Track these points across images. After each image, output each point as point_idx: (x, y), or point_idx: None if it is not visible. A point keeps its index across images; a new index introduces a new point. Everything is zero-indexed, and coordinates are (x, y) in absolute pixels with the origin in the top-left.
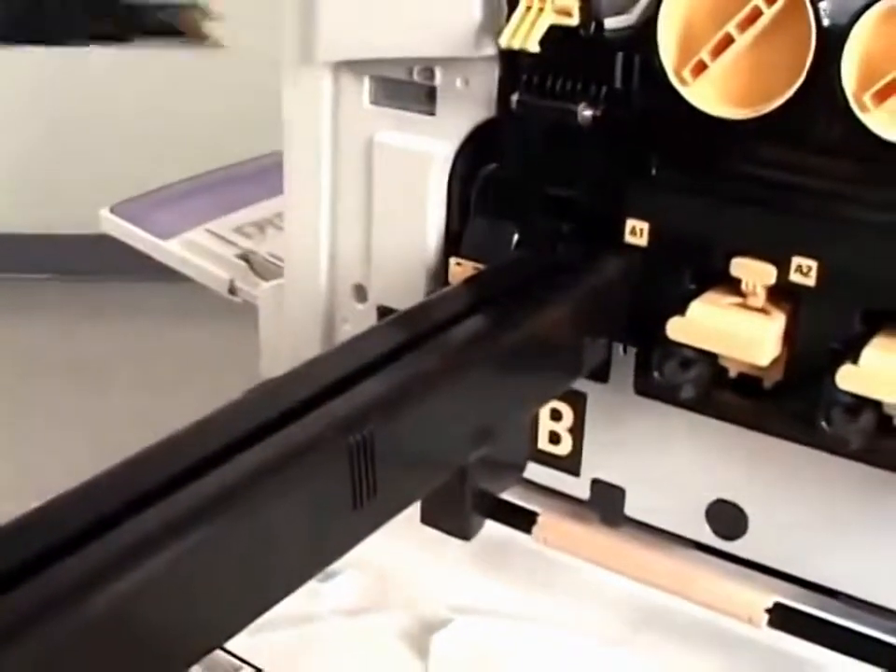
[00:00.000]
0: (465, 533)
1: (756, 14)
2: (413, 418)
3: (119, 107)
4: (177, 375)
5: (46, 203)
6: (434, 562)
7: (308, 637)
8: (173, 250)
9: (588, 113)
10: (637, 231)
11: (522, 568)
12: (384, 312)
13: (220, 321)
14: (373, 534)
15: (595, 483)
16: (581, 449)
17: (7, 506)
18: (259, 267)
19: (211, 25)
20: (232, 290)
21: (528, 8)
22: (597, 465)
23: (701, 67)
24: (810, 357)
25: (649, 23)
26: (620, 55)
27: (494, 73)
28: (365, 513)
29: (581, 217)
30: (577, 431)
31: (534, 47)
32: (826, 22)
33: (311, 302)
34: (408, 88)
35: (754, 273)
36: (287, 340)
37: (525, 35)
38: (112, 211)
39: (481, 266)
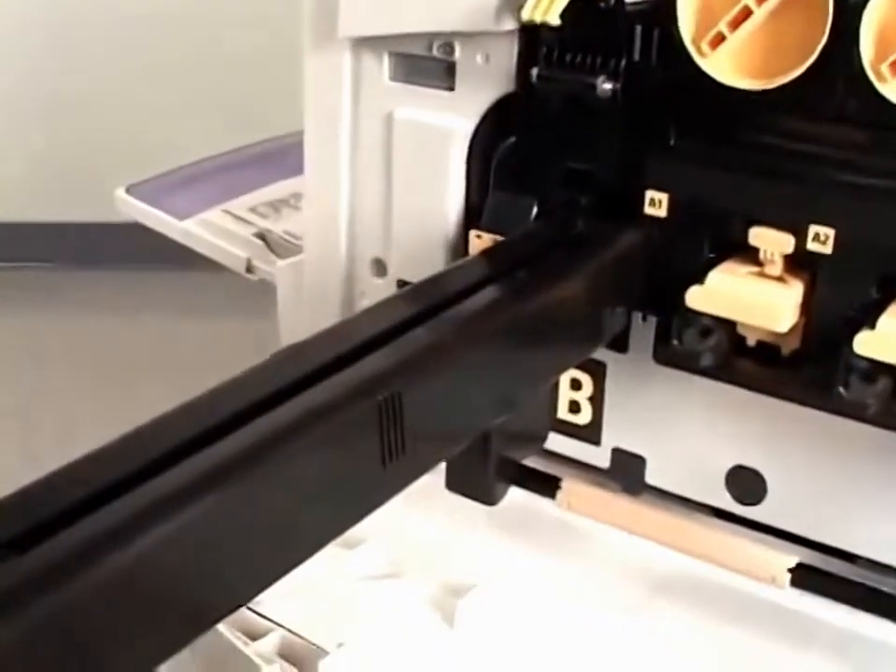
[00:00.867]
0: (489, 499)
1: None
2: (440, 379)
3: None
4: (186, 366)
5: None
6: (457, 531)
7: (336, 603)
8: (190, 230)
9: (607, 86)
10: (656, 202)
11: (542, 537)
12: (403, 286)
13: (229, 313)
14: (398, 501)
15: (616, 452)
16: (602, 418)
17: None
18: (276, 245)
19: None
20: (250, 269)
21: None
22: (618, 434)
23: (719, 39)
24: (827, 325)
25: None
26: (639, 28)
27: (513, 47)
28: (393, 471)
29: (599, 189)
30: (597, 400)
31: (555, 20)
32: None
33: (330, 277)
34: (427, 64)
35: (772, 241)
36: (306, 315)
37: (546, 8)
38: (127, 192)
39: (500, 238)
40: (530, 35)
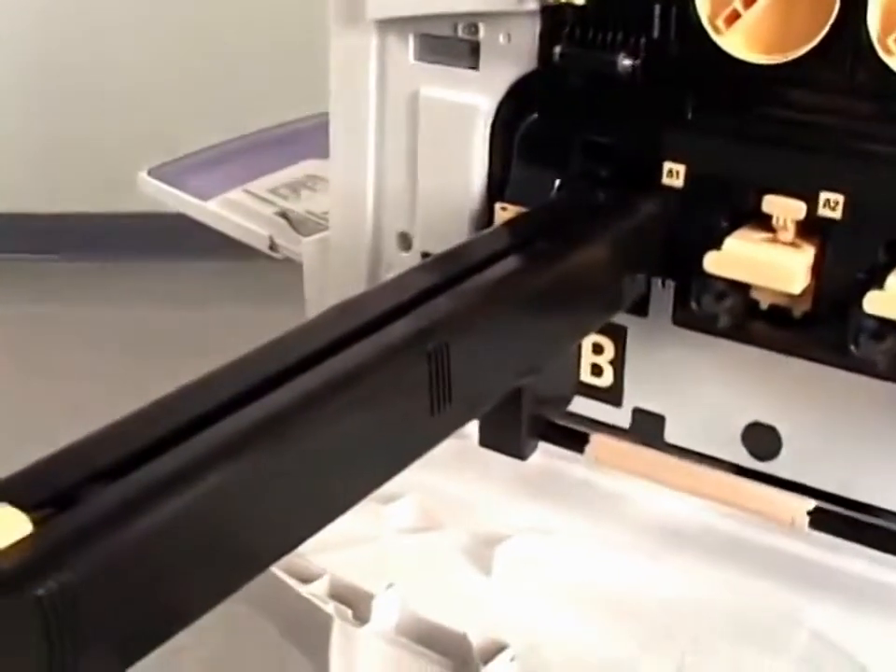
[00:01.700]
0: (521, 453)
1: None
2: (481, 334)
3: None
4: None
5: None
6: (488, 490)
7: (376, 554)
8: (213, 209)
9: (627, 62)
10: (673, 173)
11: (568, 496)
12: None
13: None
14: (432, 461)
15: (637, 412)
16: (623, 380)
17: None
18: (299, 223)
19: None
20: (273, 247)
21: None
22: (638, 395)
23: (734, 16)
24: (837, 287)
25: None
26: (657, 6)
27: (535, 27)
28: (441, 420)
29: (619, 161)
30: (618, 363)
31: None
32: None
33: (356, 252)
34: (452, 44)
35: (785, 208)
36: (332, 290)
37: None
38: (149, 174)
39: (524, 210)
40: (553, 14)
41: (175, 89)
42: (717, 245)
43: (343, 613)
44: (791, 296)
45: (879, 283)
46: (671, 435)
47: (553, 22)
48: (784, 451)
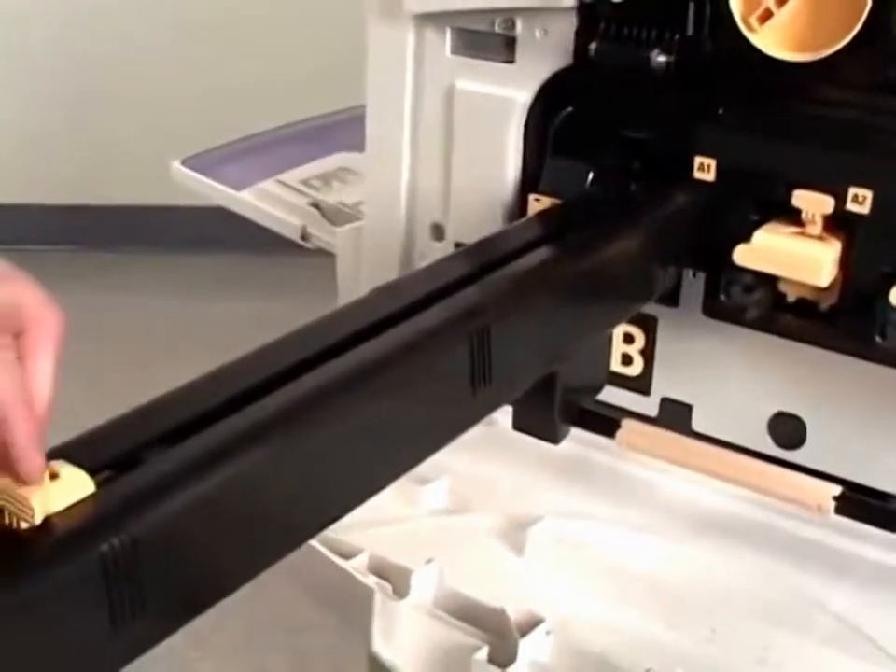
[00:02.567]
0: (554, 437)
1: None
2: (520, 317)
3: None
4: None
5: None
6: (517, 475)
7: (412, 533)
8: (246, 199)
9: (661, 59)
10: (704, 167)
11: (596, 482)
12: None
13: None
14: (463, 447)
15: (665, 401)
16: (652, 370)
17: None
18: (331, 213)
19: None
20: (305, 236)
21: None
22: (666, 384)
23: (767, 15)
24: (864, 280)
25: None
26: (692, 4)
27: (571, 23)
28: (481, 397)
29: (652, 155)
30: (648, 353)
31: None
32: None
33: (390, 241)
34: (488, 38)
35: (813, 203)
36: (365, 279)
37: None
38: (183, 164)
39: (557, 201)
40: (589, 10)
41: (210, 83)
42: (746, 237)
43: (384, 588)
44: (817, 289)
45: None
46: (698, 424)
47: (588, 19)
48: (809, 440)
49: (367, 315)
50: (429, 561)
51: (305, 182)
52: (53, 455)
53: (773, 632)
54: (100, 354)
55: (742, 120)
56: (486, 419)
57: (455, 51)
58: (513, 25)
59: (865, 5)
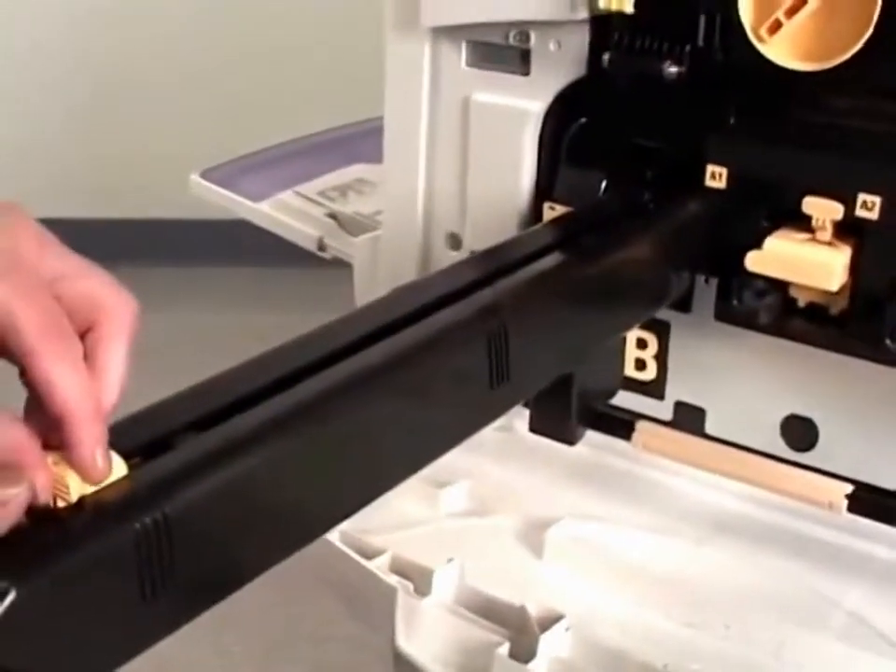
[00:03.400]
0: (571, 439)
1: None
2: (536, 318)
3: None
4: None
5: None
6: (535, 478)
7: (431, 535)
8: (264, 210)
9: (673, 70)
10: (716, 176)
11: (613, 485)
12: None
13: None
14: (481, 450)
15: (678, 405)
16: (666, 374)
17: None
18: (348, 224)
19: None
20: (322, 247)
21: None
22: (680, 388)
23: (777, 26)
24: (874, 285)
25: None
26: (703, 16)
27: (585, 35)
28: (499, 394)
29: (664, 164)
30: (661, 358)
31: (629, 8)
32: None
33: (406, 251)
34: (503, 51)
35: (823, 209)
36: (383, 288)
37: None
38: (202, 176)
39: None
40: (602, 22)
41: (227, 95)
42: (758, 244)
43: (406, 586)
44: (828, 294)
45: None
46: (712, 427)
47: (602, 30)
48: (821, 442)
49: (388, 313)
50: (450, 560)
51: (322, 193)
52: None
53: (787, 629)
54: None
55: (753, 129)
56: (504, 426)
57: (470, 64)
58: (528, 38)
59: (874, 14)
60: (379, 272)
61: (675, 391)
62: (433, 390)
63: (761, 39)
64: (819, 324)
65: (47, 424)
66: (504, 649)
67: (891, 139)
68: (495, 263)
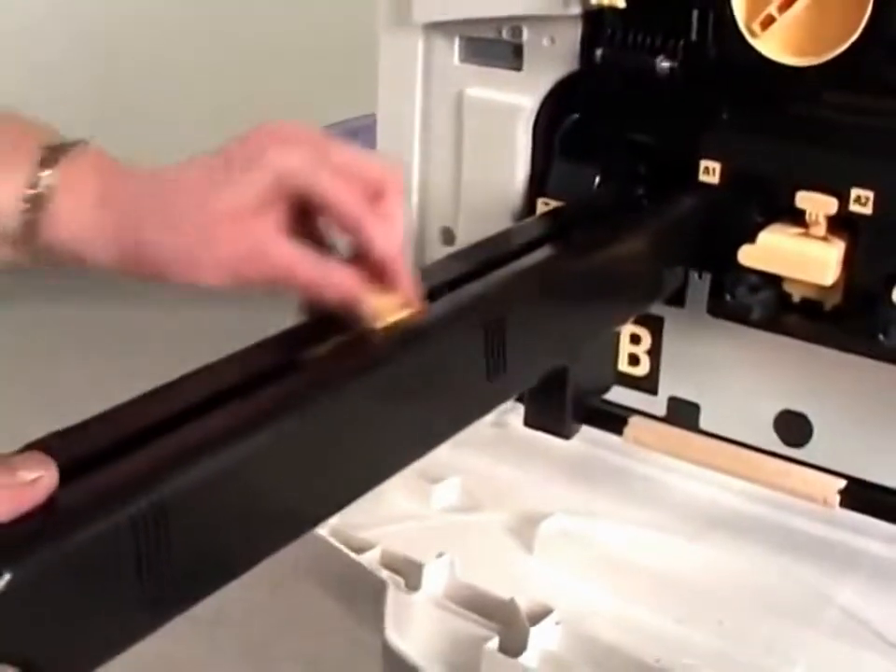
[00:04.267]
0: (565, 433)
1: None
2: (534, 309)
3: None
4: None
5: None
6: (527, 473)
7: (423, 530)
8: None
9: (666, 64)
10: (710, 171)
11: (606, 480)
12: None
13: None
14: (472, 445)
15: (672, 401)
16: (659, 369)
17: None
18: None
19: None
20: None
21: None
22: (673, 383)
23: (769, 20)
24: (867, 280)
25: None
26: (695, 10)
27: (577, 30)
28: (496, 385)
29: (658, 159)
30: (654, 353)
31: (621, 3)
32: None
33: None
34: (496, 46)
35: (817, 204)
36: None
37: None
38: None
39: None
40: (594, 17)
41: (219, 93)
42: (751, 238)
43: (396, 581)
44: (822, 288)
45: None
46: (705, 422)
47: (594, 26)
48: (815, 437)
49: None
50: (441, 555)
51: None
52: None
53: (780, 624)
54: (104, 360)
55: (746, 124)
56: (498, 421)
57: (463, 59)
58: (521, 33)
59: (866, 9)
60: None
61: (668, 386)
62: (430, 381)
63: (753, 34)
64: (813, 319)
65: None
66: (494, 643)
67: (885, 134)
68: (488, 254)
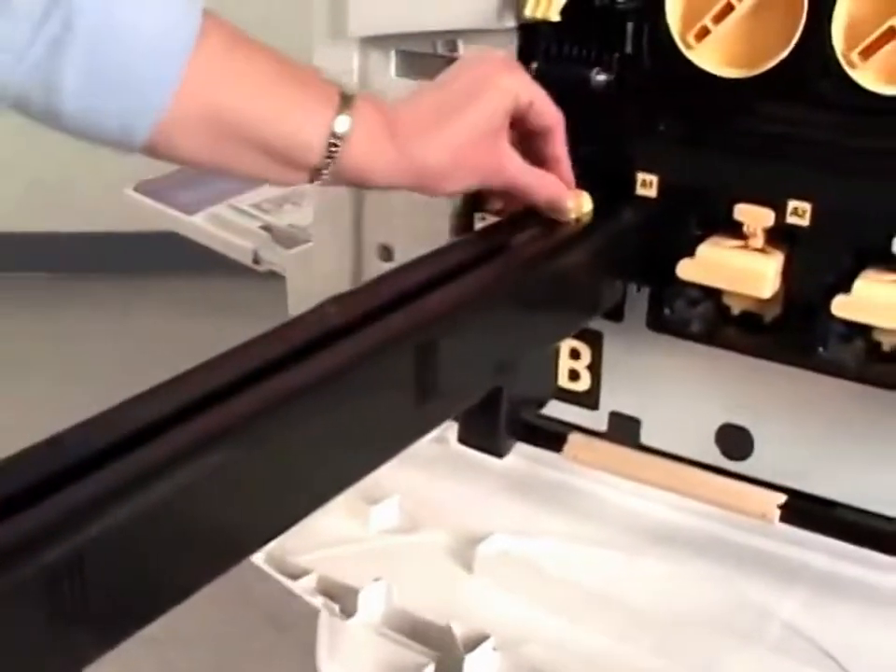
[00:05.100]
0: (499, 451)
1: None
2: (467, 332)
3: None
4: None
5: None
6: (468, 491)
7: (362, 553)
8: (197, 224)
9: (601, 78)
10: (647, 184)
11: (546, 497)
12: None
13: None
14: (412, 464)
15: (613, 416)
16: (599, 384)
17: None
18: (282, 236)
19: None
20: (257, 260)
21: None
22: (614, 398)
23: (704, 32)
24: (806, 291)
25: None
26: (630, 24)
27: (513, 43)
28: (427, 411)
29: (595, 172)
30: (595, 368)
31: (555, 16)
32: None
33: (338, 264)
34: (432, 60)
35: (755, 216)
36: (315, 301)
37: (547, 5)
38: (136, 190)
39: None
40: (529, 31)
41: None
42: (690, 252)
43: (331, 607)
44: (761, 301)
45: (846, 287)
46: (647, 437)
47: (529, 39)
48: (756, 451)
49: (313, 328)
50: (377, 580)
51: (257, 206)
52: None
53: (722, 641)
54: (64, 376)
55: (683, 136)
56: (439, 437)
57: (399, 73)
58: (455, 47)
59: (800, 20)
60: (311, 285)
61: (609, 401)
62: (356, 410)
63: (689, 46)
64: (753, 332)
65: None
66: (429, 670)
67: (820, 145)
68: (423, 274)
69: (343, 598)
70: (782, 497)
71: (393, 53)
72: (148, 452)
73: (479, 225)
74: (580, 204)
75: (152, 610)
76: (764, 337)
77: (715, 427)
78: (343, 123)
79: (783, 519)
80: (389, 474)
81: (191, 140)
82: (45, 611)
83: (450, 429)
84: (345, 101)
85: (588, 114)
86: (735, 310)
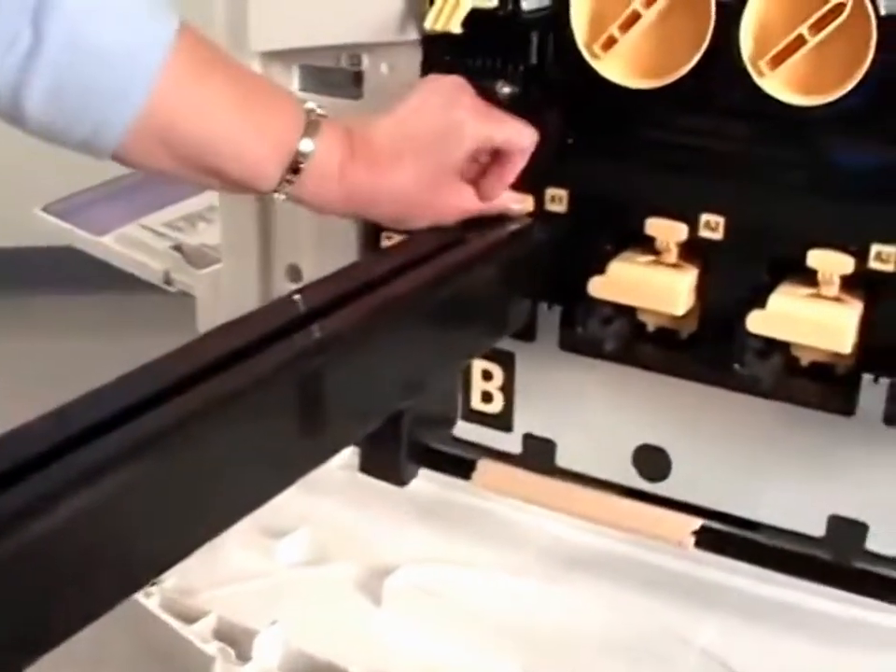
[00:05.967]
0: (400, 479)
1: None
2: (359, 359)
3: None
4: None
5: None
6: (379, 519)
7: (266, 590)
8: (108, 245)
9: (507, 90)
10: (556, 199)
11: (458, 523)
12: None
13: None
14: (319, 492)
15: (527, 438)
16: (513, 406)
17: None
18: (193, 256)
19: None
20: (168, 280)
21: None
22: (528, 420)
23: (611, 42)
24: (721, 307)
25: (562, 2)
26: (535, 34)
27: (417, 57)
28: (315, 443)
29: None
30: (507, 389)
31: (457, 28)
32: None
33: (246, 284)
34: (335, 74)
35: (667, 231)
36: (223, 321)
37: (448, 17)
38: (45, 211)
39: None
40: (433, 43)
41: None
42: (601, 268)
43: (227, 653)
44: (676, 317)
45: (761, 302)
46: (562, 459)
47: (434, 52)
48: (674, 472)
49: (197, 359)
50: (274, 622)
51: (170, 224)
52: None
53: (637, 669)
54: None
55: (591, 150)
56: (348, 464)
57: (302, 88)
58: (359, 61)
59: (708, 30)
60: (221, 305)
61: (523, 423)
62: (245, 440)
63: (595, 56)
64: (668, 349)
65: None
66: None
67: (732, 157)
68: (322, 297)
69: (239, 643)
70: (697, 523)
71: (296, 68)
72: (31, 485)
73: (385, 244)
74: (525, 206)
75: (33, 648)
76: (680, 354)
77: (632, 447)
78: (306, 145)
79: (698, 545)
80: (298, 503)
81: (152, 157)
82: None
83: (358, 455)
84: (311, 125)
85: None
86: (651, 327)
